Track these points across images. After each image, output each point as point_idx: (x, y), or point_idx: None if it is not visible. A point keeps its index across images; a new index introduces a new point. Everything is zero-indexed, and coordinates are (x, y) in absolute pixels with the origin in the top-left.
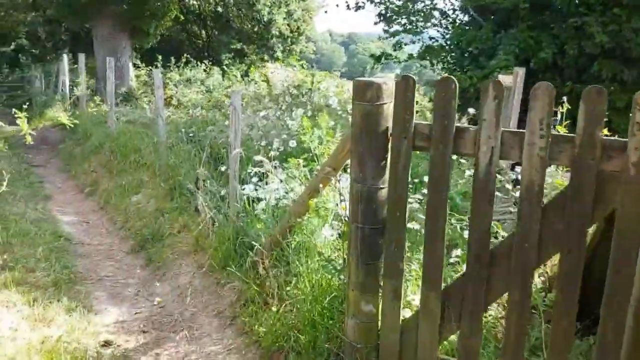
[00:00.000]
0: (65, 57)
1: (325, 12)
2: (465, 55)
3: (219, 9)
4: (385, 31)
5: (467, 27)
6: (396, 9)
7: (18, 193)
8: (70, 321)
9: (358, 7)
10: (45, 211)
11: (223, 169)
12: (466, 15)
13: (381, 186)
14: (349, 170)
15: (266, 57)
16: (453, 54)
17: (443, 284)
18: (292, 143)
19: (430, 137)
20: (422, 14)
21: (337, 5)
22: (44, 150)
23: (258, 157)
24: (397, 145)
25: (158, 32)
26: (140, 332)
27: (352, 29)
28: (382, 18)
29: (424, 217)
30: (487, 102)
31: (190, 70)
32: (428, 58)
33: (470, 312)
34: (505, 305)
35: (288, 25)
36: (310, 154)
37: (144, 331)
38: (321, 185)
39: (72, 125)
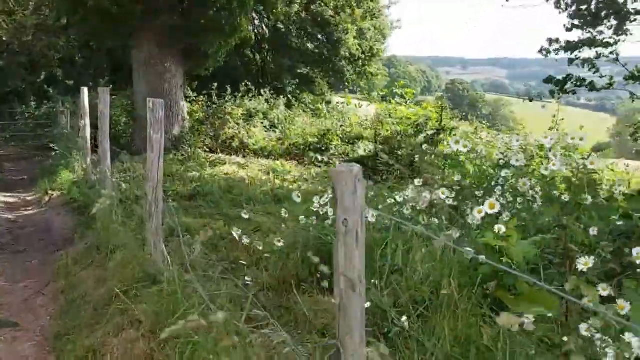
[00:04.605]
0: (85, 91)
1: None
2: None
3: (280, 25)
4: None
5: None
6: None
7: None
8: None
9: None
10: None
11: None
12: None
13: None
14: None
15: (334, 82)
16: None
17: None
18: None
19: None
20: None
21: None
22: (35, 260)
23: None
24: None
25: (221, 55)
26: None
27: (391, 51)
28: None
29: None
30: None
31: (250, 100)
32: None
33: None
34: None
35: (359, 45)
36: None
37: None
38: None
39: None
